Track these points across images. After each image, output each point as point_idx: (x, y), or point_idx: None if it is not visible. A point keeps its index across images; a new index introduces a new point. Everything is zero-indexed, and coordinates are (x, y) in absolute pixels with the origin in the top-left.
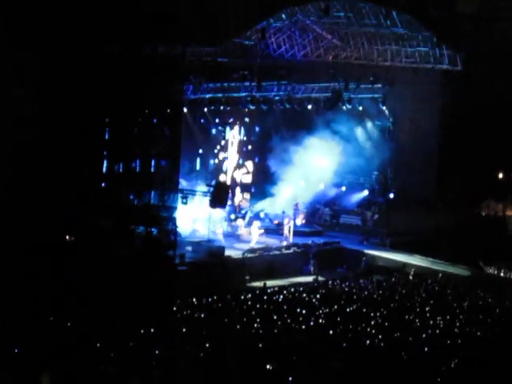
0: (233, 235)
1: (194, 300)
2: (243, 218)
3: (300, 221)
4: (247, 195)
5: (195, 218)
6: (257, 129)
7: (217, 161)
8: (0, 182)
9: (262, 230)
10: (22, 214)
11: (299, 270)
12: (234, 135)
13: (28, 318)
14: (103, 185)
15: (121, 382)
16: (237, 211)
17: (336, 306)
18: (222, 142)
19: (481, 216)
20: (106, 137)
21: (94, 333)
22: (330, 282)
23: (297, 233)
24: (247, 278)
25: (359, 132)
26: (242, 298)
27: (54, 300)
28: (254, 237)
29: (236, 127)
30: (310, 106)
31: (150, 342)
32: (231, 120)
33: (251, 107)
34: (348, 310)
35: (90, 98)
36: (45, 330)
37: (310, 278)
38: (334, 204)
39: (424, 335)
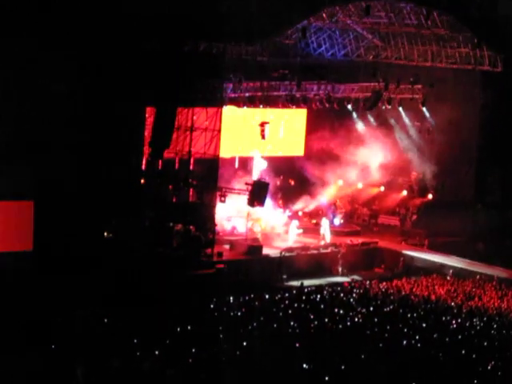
0: (271, 234)
1: (231, 298)
2: None
3: (338, 220)
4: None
5: (233, 216)
6: None
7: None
8: (41, 178)
9: (301, 230)
10: (64, 210)
11: (334, 270)
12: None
13: (66, 313)
14: (142, 182)
15: (156, 378)
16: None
17: (373, 307)
18: (263, 141)
19: None
20: (146, 134)
21: (131, 329)
22: (368, 282)
23: (335, 232)
24: (284, 277)
25: (398, 132)
26: (279, 297)
27: (92, 296)
28: (291, 236)
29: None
30: (349, 106)
31: (186, 340)
32: (271, 118)
33: (291, 106)
34: (385, 310)
35: (131, 96)
36: (81, 324)
37: (346, 278)
38: (373, 204)
39: (461, 336)
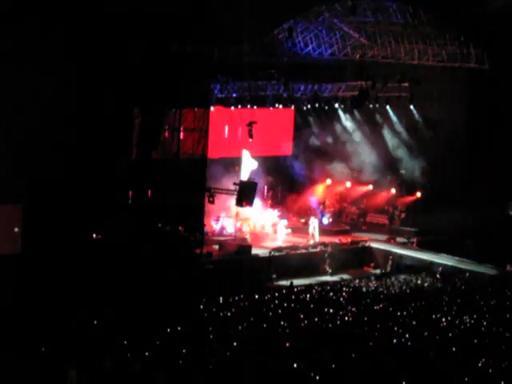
0: (260, 234)
1: (221, 298)
2: None
3: (327, 219)
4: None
5: (222, 216)
6: None
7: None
8: (29, 179)
9: (289, 229)
10: (52, 212)
11: (322, 269)
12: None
13: (54, 315)
14: (130, 183)
15: (147, 379)
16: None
17: (363, 305)
18: (250, 140)
19: (508, 216)
20: (134, 135)
21: (121, 331)
22: (357, 281)
23: (324, 231)
24: (274, 276)
25: (386, 131)
26: (269, 296)
27: (81, 298)
28: (280, 236)
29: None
30: (336, 105)
31: (176, 341)
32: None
33: (278, 106)
34: (375, 308)
35: (118, 97)
36: (70, 327)
37: (336, 277)
38: (361, 203)
39: (451, 334)
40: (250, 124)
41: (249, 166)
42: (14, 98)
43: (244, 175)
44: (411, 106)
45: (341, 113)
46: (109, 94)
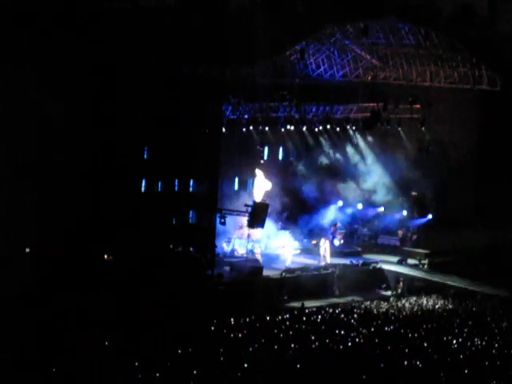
0: (271, 255)
1: (232, 320)
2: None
3: (338, 241)
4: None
5: (233, 237)
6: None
7: (255, 181)
8: (42, 200)
9: (298, 251)
10: (64, 231)
11: (332, 291)
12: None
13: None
14: (142, 204)
15: None
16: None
17: (374, 327)
18: (261, 162)
19: None
20: (145, 156)
21: (132, 351)
22: (368, 303)
23: (335, 253)
24: (285, 298)
25: (397, 152)
26: (280, 318)
27: (92, 319)
28: (288, 257)
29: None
30: (348, 126)
31: (187, 362)
32: (270, 140)
33: (290, 127)
34: (386, 330)
35: (129, 117)
36: (84, 346)
37: (347, 299)
38: (373, 224)
39: (462, 356)
40: (261, 146)
41: (262, 186)
42: (27, 121)
43: (257, 196)
44: (422, 128)
45: (352, 134)
46: (120, 115)
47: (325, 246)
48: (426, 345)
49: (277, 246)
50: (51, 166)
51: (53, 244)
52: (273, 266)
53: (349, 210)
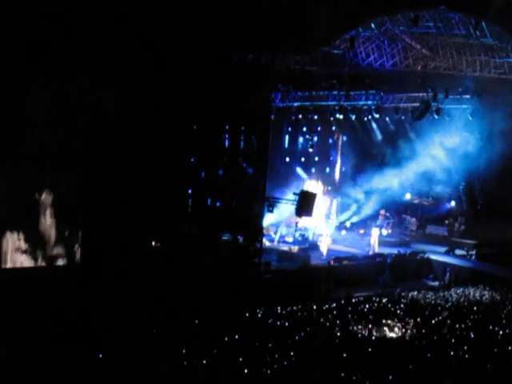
0: (319, 244)
1: (279, 308)
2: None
3: (386, 231)
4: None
5: (281, 225)
6: (344, 138)
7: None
8: (89, 188)
9: (348, 239)
10: (112, 220)
11: (380, 280)
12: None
13: (114, 320)
14: (190, 191)
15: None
16: None
17: (421, 318)
18: (310, 150)
19: None
20: (194, 144)
21: (178, 338)
22: (415, 293)
23: (383, 242)
24: (332, 287)
25: (447, 142)
26: (327, 307)
27: (139, 306)
28: (339, 246)
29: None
30: (398, 116)
31: (234, 349)
32: (319, 128)
33: (339, 116)
34: (433, 321)
35: (179, 106)
36: (128, 333)
37: (396, 289)
38: (421, 214)
39: (510, 347)
40: (310, 134)
41: None
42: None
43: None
44: (472, 118)
45: (401, 123)
46: (170, 104)
47: (374, 235)
48: (472, 335)
49: (325, 235)
50: (122, 156)
51: (99, 229)
52: (320, 255)
53: (397, 200)
